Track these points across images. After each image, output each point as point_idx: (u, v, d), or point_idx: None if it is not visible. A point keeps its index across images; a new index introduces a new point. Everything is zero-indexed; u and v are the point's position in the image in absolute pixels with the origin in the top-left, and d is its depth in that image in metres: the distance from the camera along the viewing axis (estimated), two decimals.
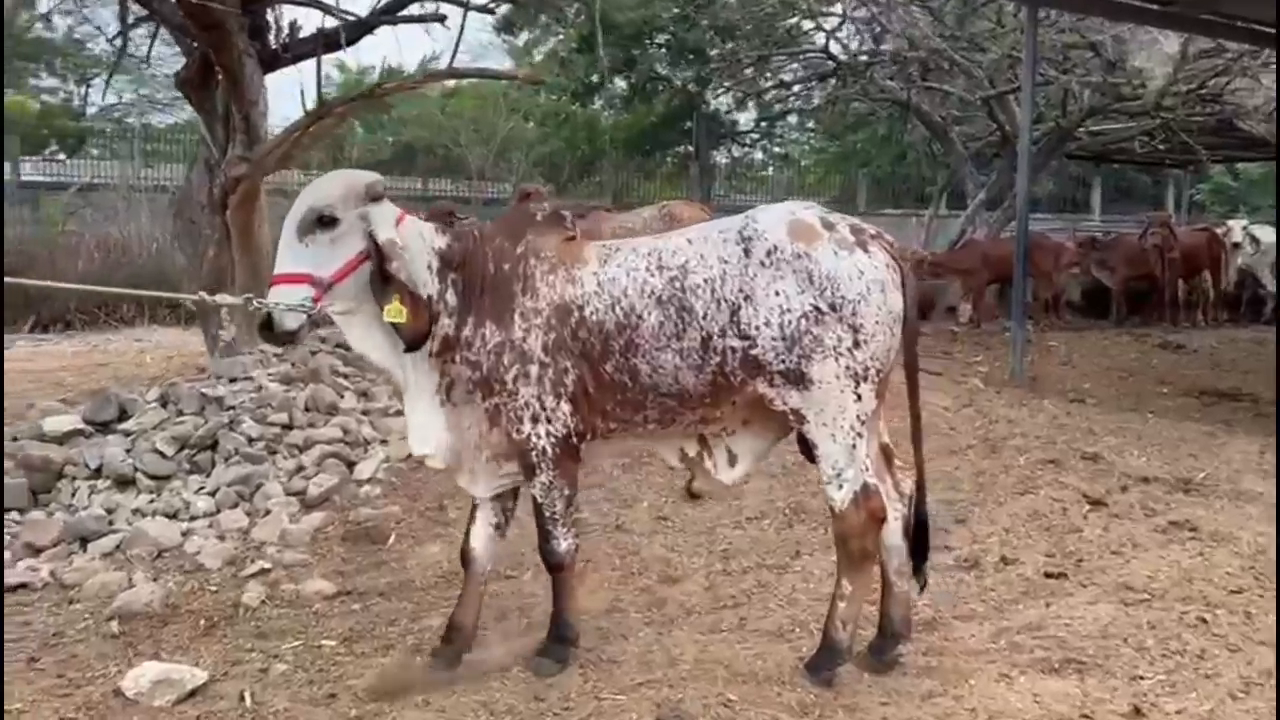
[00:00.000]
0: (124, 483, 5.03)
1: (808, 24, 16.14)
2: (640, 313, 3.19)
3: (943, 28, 14.24)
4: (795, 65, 17.64)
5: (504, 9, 14.85)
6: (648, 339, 3.18)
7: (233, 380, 5.93)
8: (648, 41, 20.86)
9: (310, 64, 7.02)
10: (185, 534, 4.67)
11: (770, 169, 27.10)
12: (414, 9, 7.41)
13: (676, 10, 19.41)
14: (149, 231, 13.93)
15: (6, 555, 4.48)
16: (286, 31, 7.24)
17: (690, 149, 23.16)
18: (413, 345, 3.20)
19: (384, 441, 5.68)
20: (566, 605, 3.45)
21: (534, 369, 3.22)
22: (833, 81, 16.60)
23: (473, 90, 22.48)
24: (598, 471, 5.47)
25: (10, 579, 4.23)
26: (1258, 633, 3.61)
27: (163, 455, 5.18)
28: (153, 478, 5.08)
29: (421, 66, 6.96)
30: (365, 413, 5.98)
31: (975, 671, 3.35)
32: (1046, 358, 10.20)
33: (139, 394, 5.79)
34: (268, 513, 4.88)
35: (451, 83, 20.42)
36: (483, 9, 7.66)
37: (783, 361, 3.10)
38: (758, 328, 3.11)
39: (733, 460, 3.40)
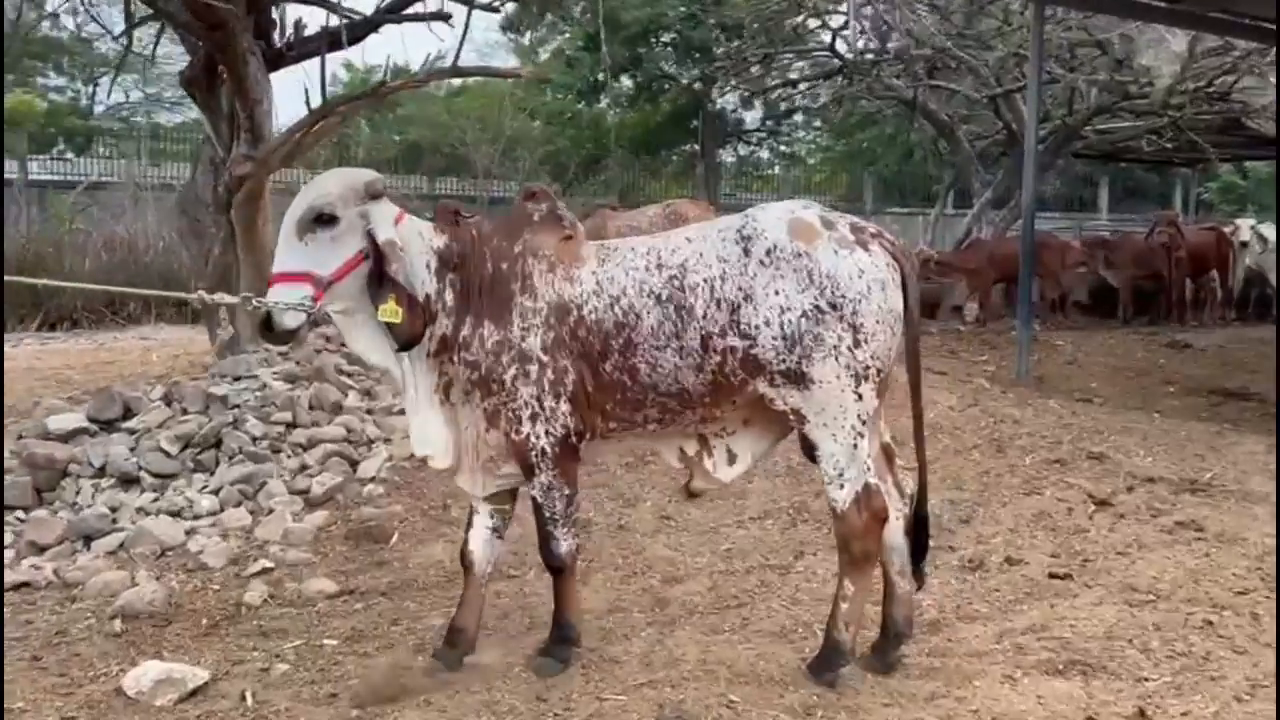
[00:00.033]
0: (128, 481, 5.04)
1: (814, 22, 16.09)
2: (639, 312, 3.18)
3: (949, 26, 14.20)
4: (801, 64, 17.60)
5: (509, 7, 14.82)
6: (647, 338, 3.17)
7: (237, 379, 5.94)
8: (654, 40, 20.85)
9: (316, 63, 7.04)
10: (188, 533, 4.68)
11: (776, 168, 27.10)
12: (418, 7, 7.40)
13: (683, 9, 19.41)
14: (155, 230, 13.97)
15: (10, 554, 4.49)
16: (291, 30, 7.24)
17: (696, 148, 23.16)
18: (406, 346, 3.19)
19: (387, 440, 5.68)
20: (568, 606, 3.44)
21: (533, 368, 3.21)
22: (839, 80, 16.56)
23: (479, 89, 22.49)
24: (601, 470, 5.46)
25: (14, 577, 4.24)
26: (1264, 634, 3.58)
27: (166, 454, 5.19)
28: (156, 476, 5.09)
29: (426, 65, 6.92)
30: (369, 411, 5.97)
31: (979, 673, 3.33)
32: (1053, 357, 10.16)
33: (143, 392, 5.80)
34: (271, 511, 4.88)
35: (457, 81, 20.44)
36: (487, 7, 7.65)
37: (783, 361, 3.09)
38: (757, 327, 3.10)
39: (732, 459, 3.39)
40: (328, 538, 4.72)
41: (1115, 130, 15.41)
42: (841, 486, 3.16)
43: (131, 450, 5.20)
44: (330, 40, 6.95)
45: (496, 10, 8.12)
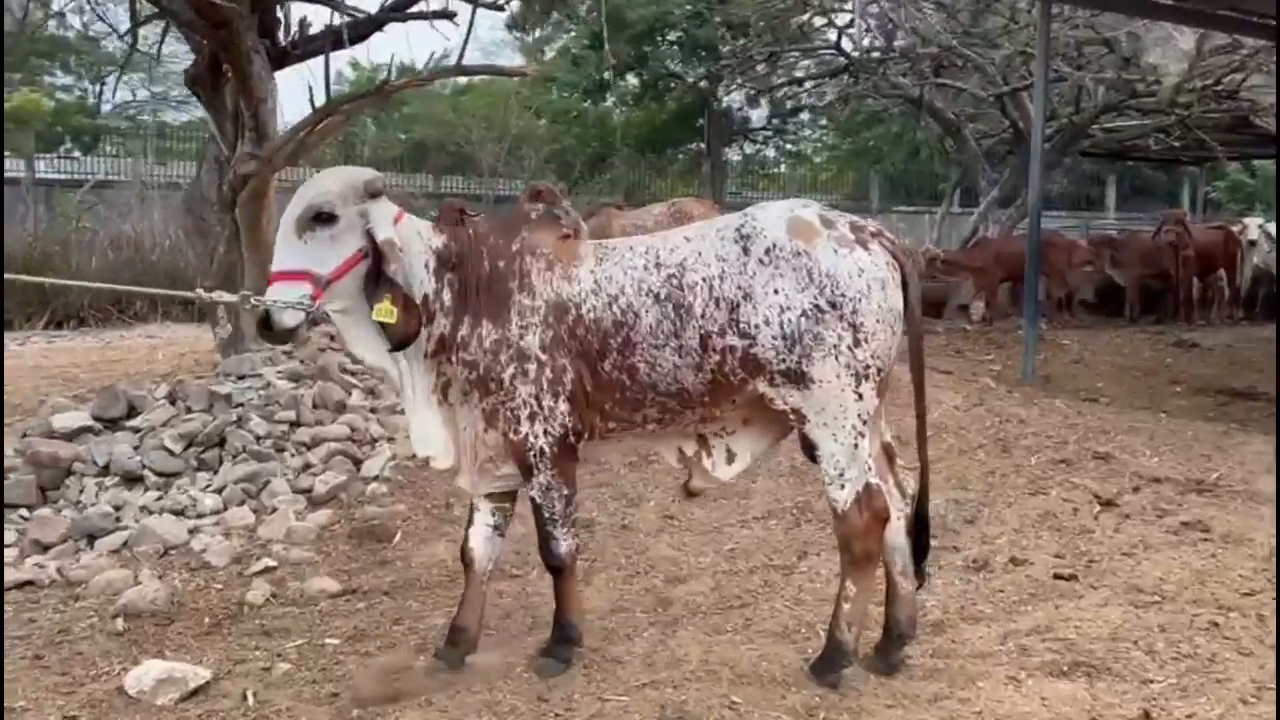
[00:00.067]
0: (131, 480, 5.04)
1: (820, 20, 16.07)
2: (638, 311, 3.16)
3: (955, 24, 14.16)
4: (807, 62, 17.58)
5: (514, 6, 14.83)
6: (645, 337, 3.16)
7: (241, 377, 5.94)
8: (659, 38, 20.85)
9: (320, 61, 7.02)
10: (192, 532, 4.68)
11: (782, 166, 27.09)
12: (422, 6, 7.39)
13: (688, 7, 19.39)
14: (162, 228, 13.99)
15: (14, 552, 4.50)
16: (296, 29, 7.24)
17: (702, 146, 23.15)
18: (399, 346, 3.18)
19: (391, 439, 5.67)
20: (569, 606, 3.43)
21: (532, 367, 3.20)
22: (845, 78, 16.53)
23: (484, 87, 22.50)
24: (605, 470, 5.45)
25: (18, 575, 4.25)
26: (1270, 636, 3.55)
27: (170, 452, 5.19)
28: (160, 475, 5.09)
29: (430, 64, 6.92)
30: (373, 410, 5.97)
31: (983, 674, 3.31)
32: (1059, 356, 10.12)
33: (148, 391, 5.80)
34: (274, 510, 4.88)
35: (463, 80, 20.44)
36: (492, 5, 7.63)
37: (783, 360, 3.08)
38: (757, 326, 3.08)
39: (731, 458, 3.38)
40: (331, 537, 4.72)
41: (1122, 129, 15.37)
42: (842, 487, 3.14)
43: (135, 449, 5.20)
44: (334, 39, 6.94)
45: (501, 9, 8.09)
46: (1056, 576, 4.14)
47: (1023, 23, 13.56)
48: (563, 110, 22.35)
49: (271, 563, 4.37)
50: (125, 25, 9.19)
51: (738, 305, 3.09)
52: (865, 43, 15.79)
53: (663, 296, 3.15)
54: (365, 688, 3.24)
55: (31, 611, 3.97)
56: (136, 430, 5.38)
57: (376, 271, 3.13)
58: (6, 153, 17.51)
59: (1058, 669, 3.34)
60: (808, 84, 18.13)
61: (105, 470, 5.10)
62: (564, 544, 3.35)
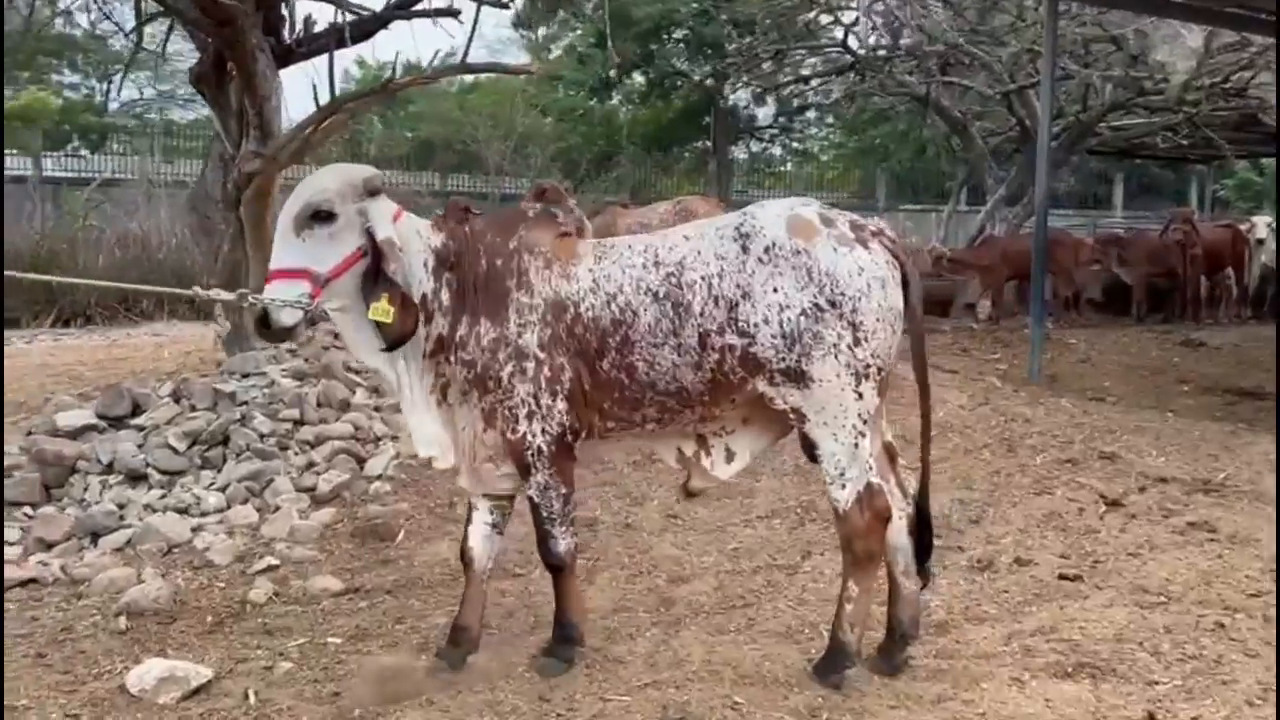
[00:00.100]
0: (135, 478, 5.05)
1: (826, 18, 16.04)
2: (636, 309, 3.15)
3: (962, 22, 14.13)
4: (814, 60, 17.56)
5: (520, 3, 14.82)
6: (644, 336, 3.14)
7: (245, 375, 5.95)
8: (666, 36, 20.82)
9: (325, 59, 7.02)
10: (195, 530, 4.68)
11: (789, 164, 27.04)
12: (427, 4, 7.38)
13: (695, 5, 19.36)
14: (169, 227, 14.02)
15: (18, 550, 4.51)
16: (300, 27, 7.24)
17: (708, 144, 23.12)
18: (393, 345, 3.16)
19: (395, 438, 5.67)
20: (570, 605, 3.42)
21: (530, 366, 3.19)
22: (851, 76, 16.50)
23: (490, 86, 22.49)
24: (608, 469, 5.45)
25: (21, 573, 4.25)
26: None
27: (174, 450, 5.19)
28: (164, 473, 5.10)
29: (433, 62, 6.91)
30: (377, 409, 5.97)
31: (987, 675, 3.29)
32: (1065, 355, 10.09)
33: (152, 389, 5.80)
34: (277, 509, 4.88)
35: (469, 78, 20.46)
36: (497, 3, 7.62)
37: (782, 360, 3.06)
38: (756, 325, 3.06)
39: (730, 457, 3.36)
40: (333, 535, 4.72)
41: (1130, 126, 15.32)
42: (843, 486, 3.13)
43: (139, 447, 5.21)
44: (338, 36, 6.93)
45: (506, 6, 8.08)
46: (1061, 577, 4.12)
47: (1030, 20, 13.51)
48: (569, 108, 22.35)
49: (274, 561, 4.37)
50: (131, 23, 9.20)
51: (737, 304, 3.08)
52: (871, 40, 15.77)
53: (661, 295, 3.13)
54: (363, 692, 3.22)
55: (35, 609, 3.98)
56: (141, 428, 5.39)
57: (375, 270, 3.12)
58: (14, 151, 17.57)
59: (1062, 670, 3.32)
60: (814, 82, 18.11)
61: (109, 468, 5.11)
62: (563, 543, 3.34)
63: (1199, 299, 13.54)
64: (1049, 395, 7.65)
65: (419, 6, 7.44)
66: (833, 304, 3.02)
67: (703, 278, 3.11)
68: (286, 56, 7.12)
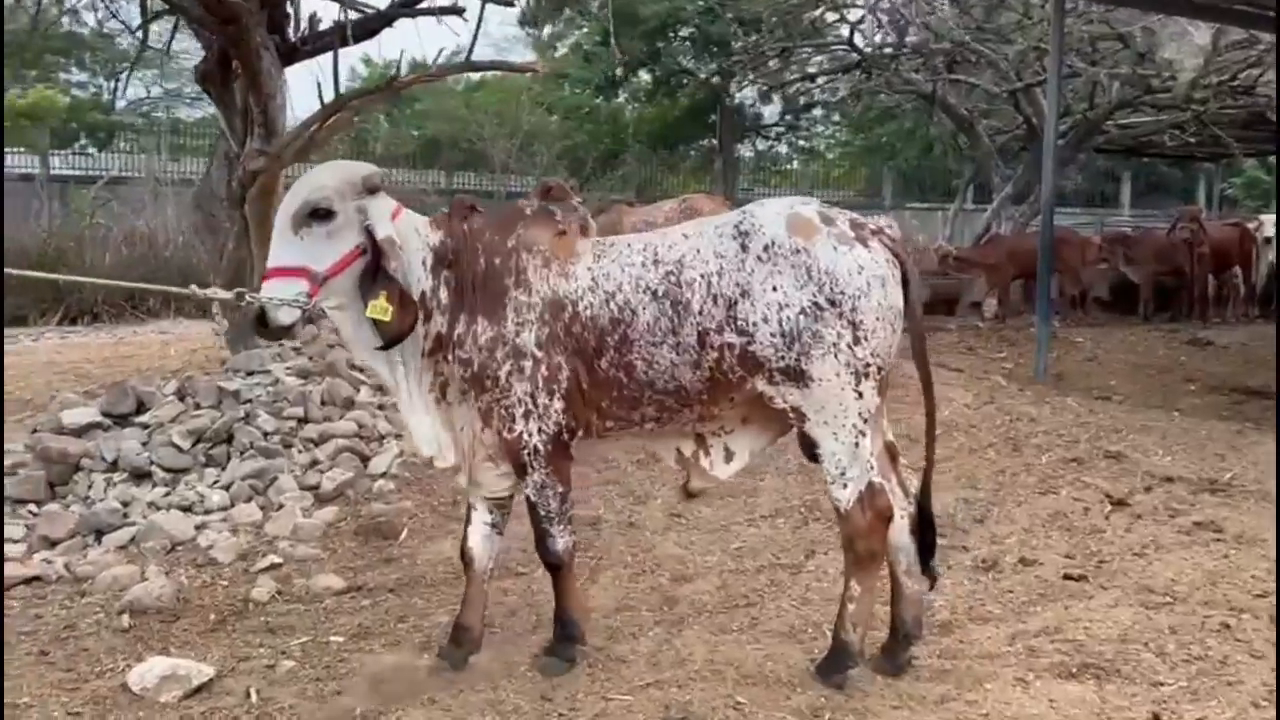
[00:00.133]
0: (140, 476, 5.05)
1: (832, 16, 16.00)
2: (635, 308, 3.13)
3: (968, 19, 14.09)
4: (820, 58, 17.53)
5: (525, 1, 14.81)
6: (643, 334, 3.12)
7: (249, 374, 5.95)
8: (671, 34, 20.80)
9: (330, 57, 7.02)
10: (199, 528, 4.68)
11: (795, 162, 27.02)
12: (431, 2, 7.38)
13: (700, 3, 19.33)
14: (175, 225, 14.06)
15: (22, 547, 4.51)
16: (305, 25, 7.24)
17: (714, 142, 23.10)
18: (390, 344, 3.15)
19: (399, 436, 5.67)
20: (570, 603, 3.41)
21: (528, 365, 3.17)
22: (857, 74, 16.47)
23: (496, 84, 22.52)
24: (612, 467, 5.44)
25: (25, 571, 4.25)
26: None
27: (178, 448, 5.19)
28: (168, 471, 5.09)
29: (438, 59, 6.92)
30: (380, 407, 5.97)
31: (991, 675, 3.28)
32: (1072, 354, 10.06)
33: (157, 387, 5.81)
34: (281, 507, 4.88)
35: (475, 76, 20.48)
36: (502, 1, 7.62)
37: (782, 358, 3.04)
38: (755, 324, 3.05)
39: (729, 457, 3.34)
40: (337, 533, 4.72)
41: (1137, 125, 15.28)
42: (844, 486, 3.11)
43: (144, 445, 5.21)
44: (343, 34, 6.94)
45: (510, 4, 8.08)
46: (1066, 577, 4.10)
47: (1036, 18, 13.48)
48: (574, 106, 22.35)
49: (277, 559, 4.37)
50: (137, 21, 9.22)
51: (736, 302, 3.06)
52: (877, 38, 15.72)
53: (660, 293, 3.12)
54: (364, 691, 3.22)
55: (38, 607, 3.98)
56: (145, 426, 5.39)
57: (374, 268, 3.11)
58: (22, 149, 17.64)
59: (1066, 671, 3.31)
60: (820, 80, 18.08)
61: (114, 466, 5.11)
62: (560, 541, 3.33)
63: (1206, 298, 13.49)
64: (1054, 394, 7.62)
65: (423, 4, 7.44)
66: (832, 302, 3.01)
67: (702, 276, 3.10)
68: (291, 54, 7.12)
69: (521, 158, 20.02)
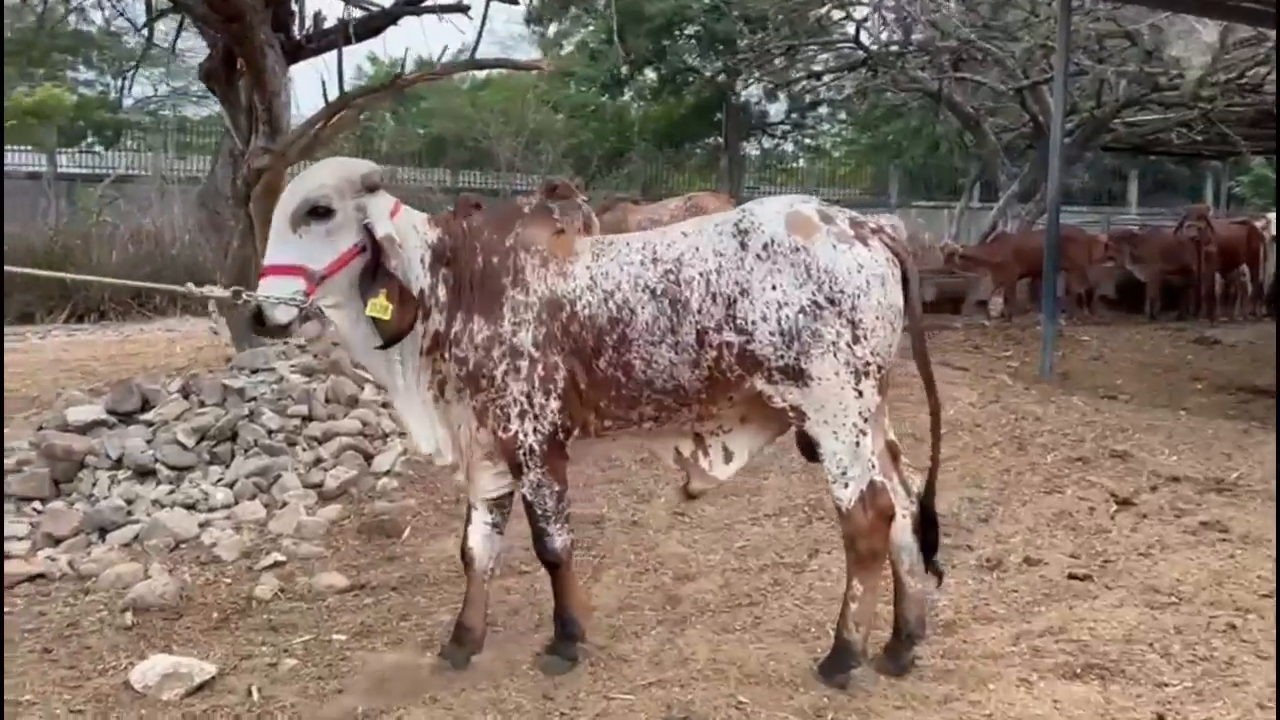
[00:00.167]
0: (144, 473, 5.05)
1: (838, 13, 15.97)
2: (634, 307, 3.12)
3: (975, 17, 14.05)
4: (826, 56, 17.50)
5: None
6: (641, 334, 3.11)
7: (254, 371, 5.96)
8: (677, 32, 20.79)
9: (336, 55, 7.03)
10: (202, 525, 4.68)
11: (801, 161, 26.98)
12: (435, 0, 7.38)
13: (706, 1, 19.32)
14: (181, 223, 14.10)
15: (27, 544, 4.52)
16: (310, 23, 7.24)
17: (720, 141, 23.09)
18: (390, 342, 3.13)
19: (402, 434, 5.66)
20: (569, 601, 3.40)
21: (524, 364, 3.16)
22: (863, 72, 16.44)
23: (502, 82, 22.54)
24: (616, 466, 5.44)
25: (29, 569, 4.26)
26: None
27: (183, 446, 5.19)
28: (172, 468, 5.10)
29: (442, 57, 6.92)
30: (384, 405, 5.96)
31: (994, 676, 3.26)
32: (1078, 353, 10.03)
33: (161, 385, 5.81)
34: (285, 505, 4.89)
35: (481, 75, 20.49)
36: None
37: (781, 357, 3.03)
38: (754, 322, 3.03)
39: (728, 457, 3.33)
40: (340, 531, 4.72)
41: (1144, 123, 15.23)
42: (846, 485, 3.09)
43: (148, 442, 5.21)
44: (345, 32, 6.94)
45: (516, 2, 8.08)
46: (1071, 576, 4.08)
47: (1043, 15, 13.43)
48: (580, 105, 22.35)
49: (281, 557, 4.37)
50: (143, 20, 9.24)
51: (735, 301, 3.04)
52: (884, 36, 15.69)
53: (659, 292, 3.10)
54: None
55: (42, 604, 3.98)
56: (150, 424, 5.39)
57: (374, 266, 3.09)
58: (29, 147, 17.69)
59: (1071, 671, 3.29)
60: (826, 78, 18.05)
61: (118, 464, 5.11)
62: (558, 540, 3.32)
63: (1213, 296, 13.45)
64: (1060, 393, 7.60)
65: (427, 2, 7.44)
66: (832, 301, 2.99)
67: (701, 274, 3.08)
68: (296, 52, 7.13)
69: (527, 156, 20.02)
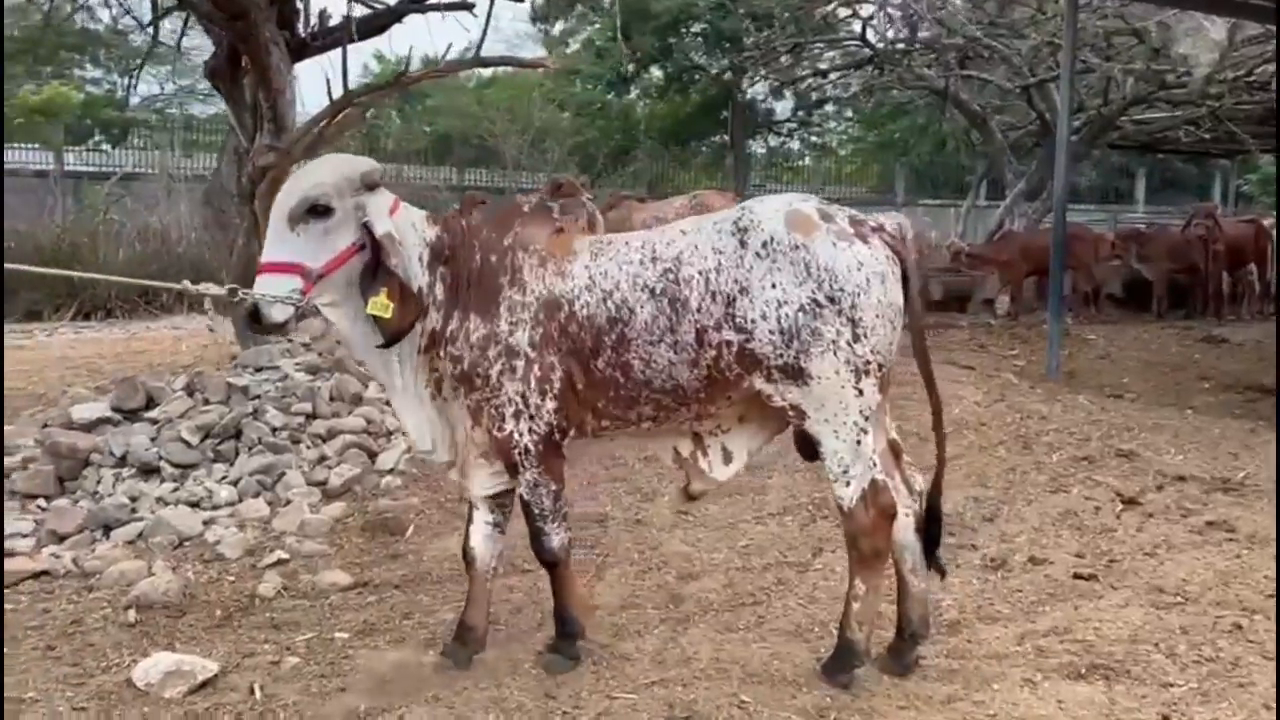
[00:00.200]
0: (148, 471, 5.06)
1: (844, 11, 15.95)
2: (633, 306, 3.10)
3: (981, 14, 14.01)
4: (832, 53, 17.47)
5: None
6: (640, 333, 3.09)
7: (259, 369, 5.96)
8: (684, 30, 20.76)
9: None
10: (206, 523, 4.68)
11: (807, 159, 26.94)
12: None
13: None
14: (188, 220, 14.13)
15: (31, 541, 4.52)
16: (315, 20, 7.24)
17: (726, 139, 23.06)
18: (392, 341, 3.12)
19: (406, 432, 5.66)
20: (568, 600, 3.39)
21: (520, 364, 3.15)
22: (870, 69, 16.41)
23: (508, 80, 22.55)
24: (620, 464, 5.43)
25: (33, 566, 4.26)
26: None
27: (187, 444, 5.20)
28: (176, 466, 5.10)
29: (446, 55, 6.92)
30: (389, 403, 5.95)
31: (998, 676, 3.25)
32: (1084, 351, 10.00)
33: (166, 382, 5.82)
34: (289, 502, 4.89)
35: (487, 73, 20.51)
36: None
37: (780, 356, 3.01)
38: (754, 321, 3.02)
39: (728, 458, 3.31)
40: (344, 529, 4.72)
41: (1152, 121, 15.17)
42: (847, 484, 3.08)
43: (152, 440, 5.22)
44: (349, 30, 6.94)
45: (521, 0, 8.07)
46: (1076, 576, 4.07)
47: (1050, 13, 13.38)
48: (586, 103, 22.34)
49: (284, 555, 4.37)
50: (149, 18, 9.25)
51: (734, 299, 3.02)
52: (890, 34, 15.65)
53: (658, 291, 3.08)
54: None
55: (46, 602, 3.99)
56: (154, 422, 5.40)
57: (374, 264, 3.08)
58: (36, 145, 17.74)
59: (1075, 671, 3.28)
60: (832, 75, 18.03)
61: (122, 461, 5.12)
62: (555, 539, 3.31)
63: (1221, 295, 13.41)
64: (1066, 392, 7.57)
65: (432, 0, 7.44)
66: (831, 299, 2.98)
67: (700, 272, 3.06)
68: (301, 50, 7.13)
69: (533, 154, 20.02)
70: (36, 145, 17.69)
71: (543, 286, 3.18)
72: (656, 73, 21.88)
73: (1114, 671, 3.27)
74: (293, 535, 4.60)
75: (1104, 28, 13.03)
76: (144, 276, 11.02)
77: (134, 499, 4.86)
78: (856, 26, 15.80)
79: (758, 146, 25.23)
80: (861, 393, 3.01)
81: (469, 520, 3.46)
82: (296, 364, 6.05)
